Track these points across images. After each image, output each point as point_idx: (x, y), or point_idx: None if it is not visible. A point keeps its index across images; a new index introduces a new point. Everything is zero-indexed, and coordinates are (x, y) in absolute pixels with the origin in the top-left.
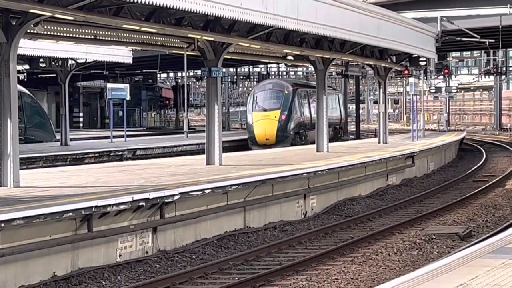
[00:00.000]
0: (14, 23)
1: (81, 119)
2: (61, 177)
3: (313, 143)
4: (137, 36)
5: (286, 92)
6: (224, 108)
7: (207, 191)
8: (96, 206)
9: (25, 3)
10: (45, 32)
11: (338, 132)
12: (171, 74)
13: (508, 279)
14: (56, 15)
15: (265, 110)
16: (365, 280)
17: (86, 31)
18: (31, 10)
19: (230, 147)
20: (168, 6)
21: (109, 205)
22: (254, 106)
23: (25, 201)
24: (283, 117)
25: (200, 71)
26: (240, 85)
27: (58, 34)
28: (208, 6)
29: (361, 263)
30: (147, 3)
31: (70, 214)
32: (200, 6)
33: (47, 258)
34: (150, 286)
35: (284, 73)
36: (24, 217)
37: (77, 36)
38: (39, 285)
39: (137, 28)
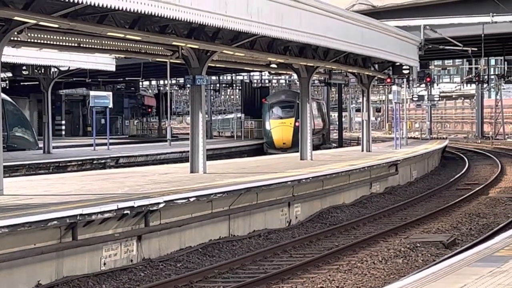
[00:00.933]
0: None
1: (63, 127)
2: (45, 185)
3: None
4: (121, 44)
5: (298, 102)
6: (207, 116)
7: (191, 199)
8: (81, 214)
9: (9, 10)
10: (29, 40)
11: (323, 140)
12: (154, 82)
13: (496, 287)
14: (41, 23)
15: (281, 118)
16: None
17: (70, 38)
18: (15, 18)
19: (215, 155)
20: (152, 13)
21: (94, 213)
22: (271, 114)
23: (10, 209)
24: (297, 123)
25: (182, 79)
26: (223, 93)
27: (42, 41)
28: (192, 13)
29: (346, 271)
30: (131, 10)
31: (55, 222)
32: (184, 14)
33: (31, 266)
34: None
35: (267, 81)
36: (9, 225)
37: (61, 43)
38: None
39: (122, 35)
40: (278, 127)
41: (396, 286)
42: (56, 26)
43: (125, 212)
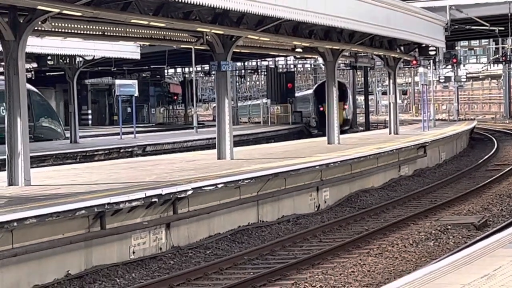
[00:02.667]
0: (21, 21)
1: (90, 117)
2: (72, 174)
3: None
4: (145, 31)
5: (344, 88)
6: (233, 102)
7: (219, 186)
8: (108, 203)
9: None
10: (53, 29)
11: (349, 124)
12: (179, 70)
13: None
14: (64, 11)
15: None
16: (382, 272)
17: (94, 27)
18: (39, 7)
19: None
20: None
21: (122, 201)
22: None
23: (37, 200)
24: (346, 106)
25: (207, 65)
26: (248, 79)
27: (66, 30)
28: None
29: (377, 255)
30: None
31: (83, 211)
32: None
33: (60, 256)
34: (164, 282)
35: (292, 66)
36: (37, 216)
37: (85, 32)
38: (53, 284)
39: (146, 23)
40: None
41: (430, 269)
42: (80, 14)
43: (153, 200)
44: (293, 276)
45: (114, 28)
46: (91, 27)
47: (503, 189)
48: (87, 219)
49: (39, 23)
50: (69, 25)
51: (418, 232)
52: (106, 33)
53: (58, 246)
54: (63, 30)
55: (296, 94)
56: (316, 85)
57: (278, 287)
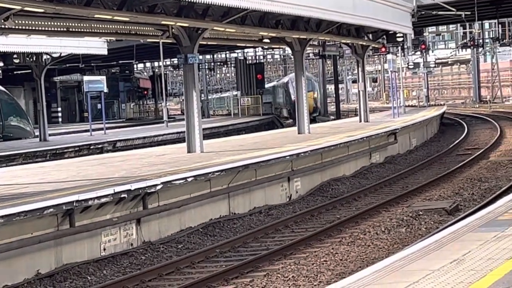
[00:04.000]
0: None
1: (60, 114)
2: (41, 173)
3: None
4: (111, 26)
5: (312, 80)
6: (202, 95)
7: (189, 179)
8: (77, 201)
9: None
10: (17, 27)
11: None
12: (148, 64)
13: (502, 252)
14: (26, 8)
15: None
16: (354, 260)
17: (58, 23)
18: (0, 4)
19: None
20: None
21: (91, 198)
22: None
23: (5, 199)
24: (315, 95)
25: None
26: (218, 72)
27: (30, 28)
28: None
29: (349, 244)
30: None
31: (51, 210)
32: None
33: (30, 256)
34: (136, 278)
35: (261, 57)
36: (4, 215)
37: (49, 29)
38: (23, 284)
39: (110, 17)
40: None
41: (400, 256)
42: (42, 11)
43: (123, 195)
44: (265, 267)
45: (79, 24)
46: (55, 23)
47: (474, 173)
48: (56, 217)
49: (2, 20)
50: (33, 22)
51: (390, 219)
52: (70, 29)
53: (27, 245)
54: (26, 28)
55: (266, 85)
56: (286, 76)
57: (251, 279)
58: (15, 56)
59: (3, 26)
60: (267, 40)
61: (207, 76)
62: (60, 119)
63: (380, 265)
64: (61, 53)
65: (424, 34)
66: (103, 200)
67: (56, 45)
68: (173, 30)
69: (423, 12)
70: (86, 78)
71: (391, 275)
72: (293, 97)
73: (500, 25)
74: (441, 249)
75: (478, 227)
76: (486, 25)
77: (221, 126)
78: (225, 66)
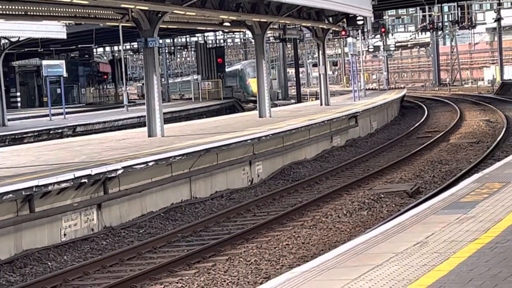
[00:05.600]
0: None
1: (19, 99)
2: (0, 158)
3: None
4: (70, 10)
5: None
6: (163, 79)
7: (150, 164)
8: (36, 186)
9: None
10: None
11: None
12: (108, 48)
13: (465, 234)
14: None
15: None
16: (316, 243)
17: (16, 7)
18: None
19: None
20: None
21: (51, 183)
22: (249, 74)
23: None
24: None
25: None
26: (178, 56)
27: None
28: None
29: (311, 227)
30: None
31: (10, 195)
32: None
33: None
34: (97, 264)
35: (222, 41)
36: None
37: (7, 12)
38: None
39: (69, 0)
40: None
41: (362, 239)
42: None
43: (83, 180)
44: (227, 251)
45: (37, 8)
46: (13, 7)
47: (434, 156)
48: (15, 202)
49: None
50: None
51: (352, 202)
52: (29, 13)
53: None
54: None
55: (227, 69)
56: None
57: (213, 263)
58: None
59: None
60: (228, 24)
61: (168, 60)
62: (19, 104)
63: (343, 248)
64: (19, 37)
65: (384, 17)
66: (63, 185)
67: (15, 29)
68: (133, 13)
69: None
70: (45, 62)
71: (355, 258)
72: (247, 82)
73: (459, 8)
74: (404, 231)
75: (441, 209)
76: (446, 8)
77: (182, 110)
78: (186, 50)
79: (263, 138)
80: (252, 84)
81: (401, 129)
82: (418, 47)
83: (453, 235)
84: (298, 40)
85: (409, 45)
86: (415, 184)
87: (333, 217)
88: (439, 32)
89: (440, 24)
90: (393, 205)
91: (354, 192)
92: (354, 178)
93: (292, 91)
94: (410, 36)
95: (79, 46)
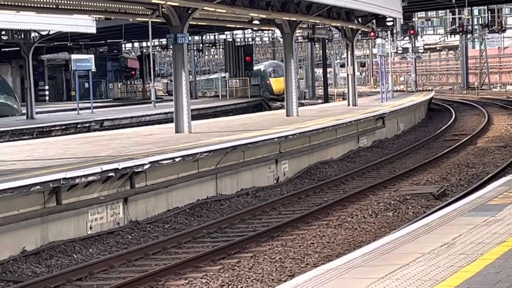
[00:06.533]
0: None
1: (47, 92)
2: (28, 150)
3: None
4: (100, 4)
5: (283, 67)
6: (191, 76)
7: (177, 159)
8: (64, 178)
9: None
10: (5, 2)
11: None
12: (136, 44)
13: (492, 236)
14: None
15: (276, 77)
16: (341, 243)
17: (48, 0)
18: None
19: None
20: None
21: (78, 176)
22: (270, 74)
23: None
24: None
25: (165, 39)
26: (206, 53)
27: (19, 3)
28: None
29: (336, 227)
30: None
31: (38, 187)
32: None
33: (15, 232)
34: (123, 257)
35: (250, 40)
36: None
37: (38, 5)
38: (9, 261)
39: None
40: (276, 81)
41: (389, 239)
42: None
43: (110, 174)
44: (252, 248)
45: (68, 1)
46: (44, 0)
47: (461, 159)
48: (42, 194)
49: None
50: None
51: (377, 202)
52: (59, 6)
53: (13, 222)
54: (15, 4)
55: (255, 68)
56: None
57: (237, 260)
58: (3, 32)
59: None
60: (257, 22)
61: (196, 58)
62: (47, 98)
63: (369, 247)
64: (49, 31)
65: (414, 19)
66: (90, 178)
67: (45, 22)
68: (163, 9)
69: None
70: (74, 56)
71: (381, 257)
72: (268, 81)
73: (489, 12)
74: (430, 232)
75: (468, 212)
76: (476, 12)
77: (209, 107)
78: (214, 47)
79: (290, 136)
80: (273, 83)
81: (428, 132)
82: (447, 50)
83: (480, 237)
84: (326, 40)
85: (438, 48)
86: (441, 186)
87: (358, 217)
88: (469, 35)
89: (469, 27)
90: (419, 207)
91: (380, 193)
92: (380, 179)
93: (319, 91)
94: (439, 38)
95: (108, 41)
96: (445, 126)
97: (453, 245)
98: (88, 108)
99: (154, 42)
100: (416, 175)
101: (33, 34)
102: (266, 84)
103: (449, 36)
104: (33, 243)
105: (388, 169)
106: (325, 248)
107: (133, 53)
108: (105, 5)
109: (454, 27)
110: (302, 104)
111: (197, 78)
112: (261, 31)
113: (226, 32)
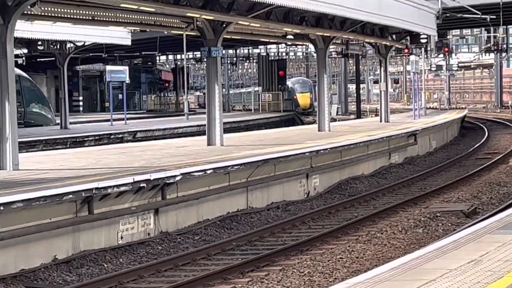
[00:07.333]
0: (10, 4)
1: (81, 103)
2: (61, 159)
3: None
4: (135, 17)
5: (309, 83)
6: (224, 89)
7: (208, 172)
8: (96, 188)
9: None
10: (42, 13)
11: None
12: (170, 57)
13: None
14: None
15: (302, 92)
16: (370, 258)
17: (84, 12)
18: None
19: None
20: None
21: (110, 186)
22: (296, 90)
23: (25, 184)
24: (311, 95)
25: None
26: (240, 67)
27: (55, 15)
28: None
29: (365, 242)
30: None
31: (70, 196)
32: None
33: (47, 241)
34: (152, 268)
35: (284, 54)
36: (24, 200)
37: (74, 17)
38: (40, 269)
39: (135, 7)
40: (302, 97)
41: (416, 255)
42: None
43: (142, 185)
44: (281, 262)
45: (104, 13)
46: (80, 11)
47: (492, 177)
48: (74, 203)
49: (28, 6)
50: (58, 10)
51: (407, 219)
52: (95, 18)
53: (45, 230)
54: (52, 15)
55: (288, 82)
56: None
57: (266, 273)
58: (39, 43)
59: (29, 12)
60: (291, 37)
61: (229, 71)
62: (81, 108)
63: (397, 262)
64: (85, 42)
65: (448, 37)
66: (122, 188)
67: (81, 33)
68: (198, 22)
69: (448, 14)
70: (108, 67)
71: (408, 272)
72: (294, 96)
73: None
74: (458, 249)
75: (497, 229)
76: (511, 30)
77: (242, 120)
78: (247, 61)
79: (321, 151)
80: (299, 99)
81: (460, 150)
82: (481, 68)
83: (508, 254)
84: (360, 56)
85: (472, 66)
86: (472, 204)
87: (388, 233)
88: (503, 54)
89: (504, 45)
90: (449, 224)
91: (410, 209)
92: (411, 195)
93: (352, 107)
94: (474, 56)
95: (143, 53)
96: (477, 145)
97: (480, 262)
98: (122, 119)
99: (188, 55)
100: (447, 193)
101: (68, 45)
102: (293, 99)
103: (483, 54)
104: (64, 252)
105: (419, 186)
106: (354, 263)
107: (167, 66)
108: (140, 17)
109: (488, 45)
110: (334, 120)
111: (231, 92)
112: (295, 46)
113: (260, 46)
